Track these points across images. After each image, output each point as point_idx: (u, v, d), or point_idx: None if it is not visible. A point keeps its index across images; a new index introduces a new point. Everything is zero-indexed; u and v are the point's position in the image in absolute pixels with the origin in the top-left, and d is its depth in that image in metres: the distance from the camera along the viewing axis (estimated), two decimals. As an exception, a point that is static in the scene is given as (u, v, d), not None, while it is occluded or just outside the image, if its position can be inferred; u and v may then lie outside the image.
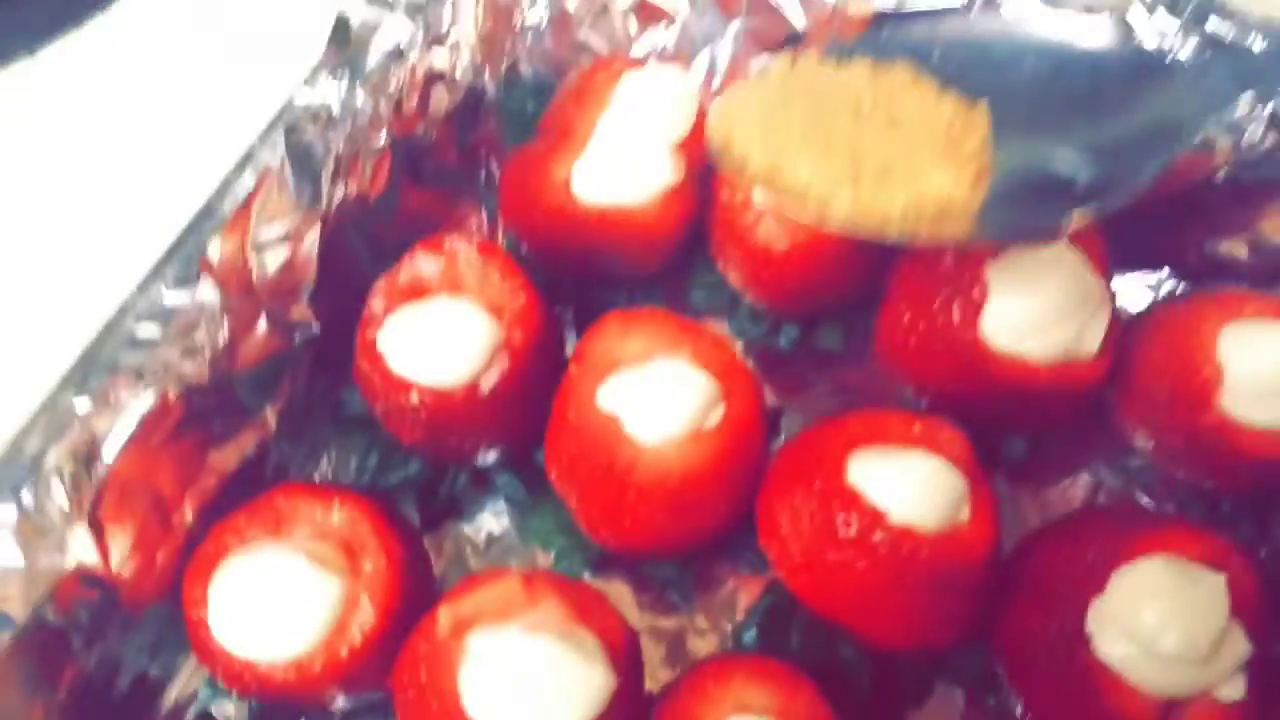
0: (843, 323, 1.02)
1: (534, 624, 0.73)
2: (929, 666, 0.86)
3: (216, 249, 0.82)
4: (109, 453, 0.77)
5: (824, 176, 0.80)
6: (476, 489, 0.97)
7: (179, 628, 0.81)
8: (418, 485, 0.95)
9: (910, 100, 0.84)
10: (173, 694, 0.89)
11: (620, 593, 0.93)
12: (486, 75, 1.05)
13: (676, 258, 1.03)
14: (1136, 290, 1.02)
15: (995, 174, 0.81)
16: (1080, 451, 0.97)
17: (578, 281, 1.04)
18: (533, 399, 0.87)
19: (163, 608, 0.84)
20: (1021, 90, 0.85)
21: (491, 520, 0.97)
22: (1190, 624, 0.70)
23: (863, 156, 0.80)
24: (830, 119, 0.83)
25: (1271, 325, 0.83)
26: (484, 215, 1.08)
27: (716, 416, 0.82)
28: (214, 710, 0.88)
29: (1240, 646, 0.71)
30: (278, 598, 0.76)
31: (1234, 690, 0.71)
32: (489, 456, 0.92)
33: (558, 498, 0.89)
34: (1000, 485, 0.95)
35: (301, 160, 0.86)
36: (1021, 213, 0.80)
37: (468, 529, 0.97)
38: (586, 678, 0.71)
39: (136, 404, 0.78)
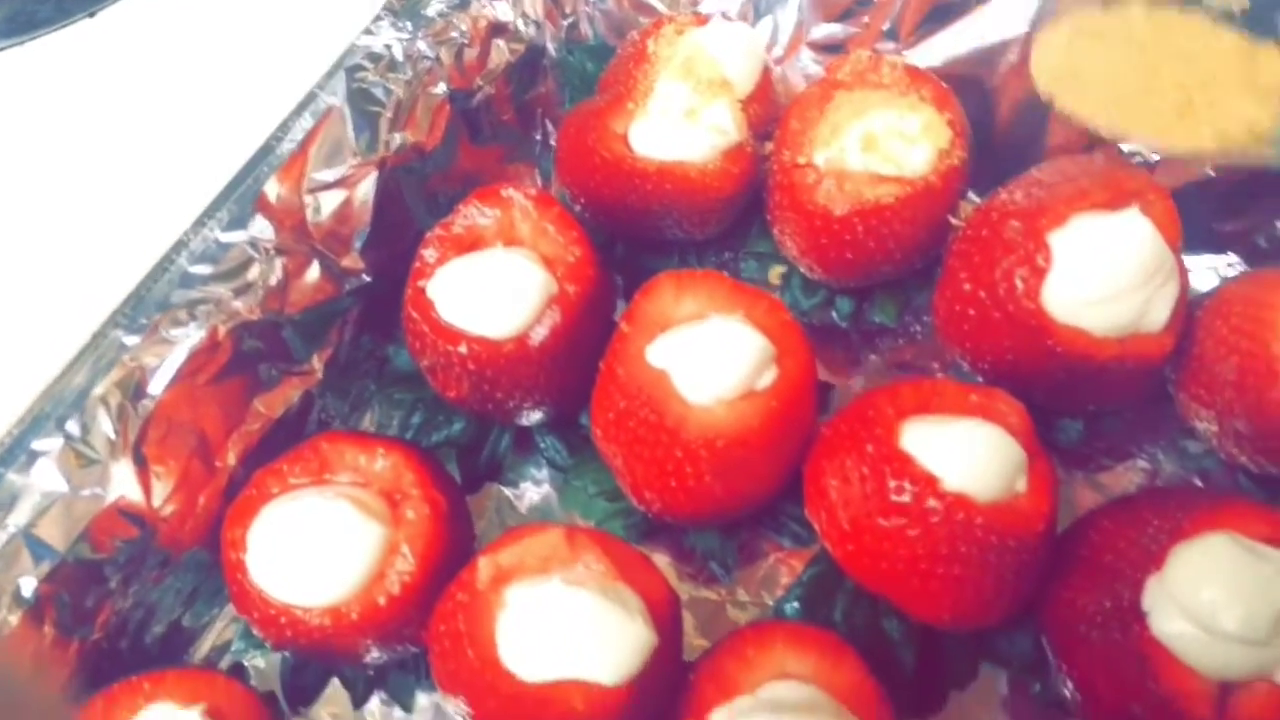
0: (897, 297, 1.01)
1: (575, 579, 0.71)
2: (975, 647, 0.84)
3: (273, 188, 0.82)
4: (156, 386, 0.76)
5: (1133, 116, 0.83)
6: (519, 451, 0.96)
7: (216, 577, 0.80)
8: (460, 445, 0.95)
9: (1188, 34, 0.85)
10: (206, 644, 0.89)
11: (661, 563, 0.91)
12: (548, 33, 1.04)
13: (730, 225, 1.01)
14: (1203, 274, 0.99)
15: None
16: (1137, 435, 0.94)
17: (630, 248, 1.03)
18: (581, 357, 0.86)
19: (201, 555, 0.84)
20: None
21: (533, 485, 0.97)
22: (1251, 603, 0.67)
23: (1164, 92, 0.82)
24: (1123, 61, 0.84)
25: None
26: (538, 176, 1.07)
27: (769, 378, 0.80)
28: (246, 663, 0.87)
29: (1303, 630, 0.69)
30: (317, 542, 0.75)
31: (1296, 674, 0.69)
32: (533, 416, 0.91)
33: (601, 463, 0.88)
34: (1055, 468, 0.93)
35: (361, 103, 0.85)
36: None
37: (509, 492, 0.96)
38: (626, 634, 0.69)
39: (186, 339, 0.77)
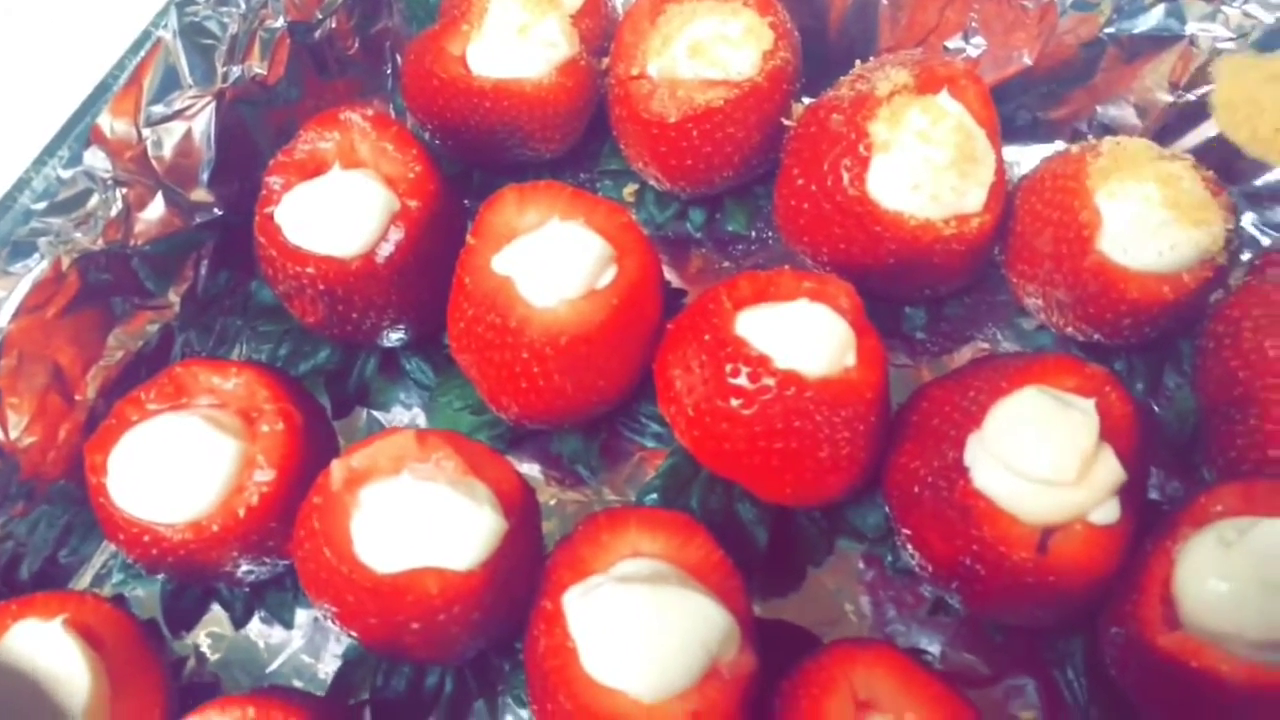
0: (747, 205, 1.05)
1: (425, 474, 0.74)
2: (829, 525, 0.88)
3: (108, 121, 0.83)
4: (2, 318, 0.78)
5: None
6: (387, 375, 0.99)
7: (89, 513, 0.82)
8: (328, 372, 0.97)
9: None
10: (85, 579, 0.91)
11: (530, 471, 0.94)
12: (385, -36, 1.06)
13: (582, 145, 1.04)
14: (1033, 162, 1.03)
15: None
16: (978, 319, 0.99)
17: (485, 175, 1.05)
18: (433, 272, 0.89)
19: (70, 488, 0.86)
20: None
21: (402, 407, 0.99)
22: (1058, 445, 0.72)
23: None
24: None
25: (1146, 171, 0.85)
26: (392, 110, 1.09)
27: (609, 276, 0.83)
28: (127, 593, 0.89)
29: (1112, 471, 0.73)
30: (173, 459, 0.77)
31: (1107, 514, 0.73)
32: (393, 335, 0.93)
33: (465, 379, 0.90)
34: (900, 355, 0.98)
35: (194, 36, 0.87)
36: None
37: (380, 415, 0.99)
38: (475, 522, 0.72)
39: (28, 270, 0.79)
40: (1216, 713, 0.69)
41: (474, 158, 1.04)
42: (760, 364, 0.77)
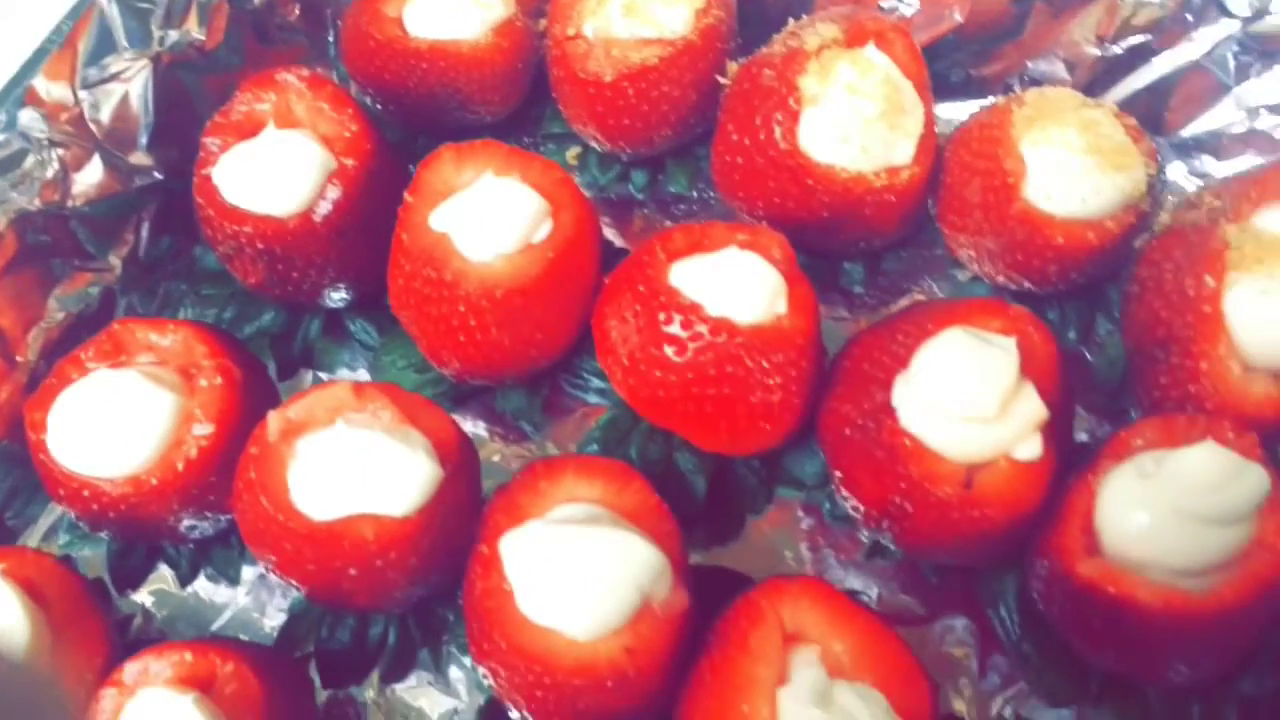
0: (688, 166, 1.06)
1: (361, 423, 0.75)
2: (768, 474, 0.89)
3: (43, 84, 0.84)
4: (-61, 278, 0.79)
5: None
6: (332, 337, 0.99)
7: (34, 475, 0.83)
8: (272, 334, 0.98)
9: None
10: (32, 540, 0.92)
11: (475, 429, 0.95)
12: (322, -72, 1.07)
13: (524, 109, 1.05)
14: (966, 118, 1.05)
15: None
16: (914, 272, 1.01)
17: (430, 141, 1.06)
18: (373, 232, 0.90)
19: (15, 452, 0.86)
20: None
21: (347, 369, 1.00)
22: (979, 382, 0.73)
23: None
24: None
25: (1068, 118, 0.86)
26: (335, 78, 1.10)
27: (545, 231, 0.84)
28: (74, 554, 0.89)
29: (1033, 407, 0.74)
30: (111, 414, 0.78)
31: (1030, 450, 0.74)
32: (336, 295, 0.94)
33: (409, 338, 0.91)
34: (839, 309, 0.99)
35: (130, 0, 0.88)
36: None
37: (326, 377, 0.99)
38: (411, 469, 0.73)
39: (-36, 231, 0.80)
40: (1135, 638, 0.71)
41: (416, 123, 1.05)
42: (692, 311, 0.78)
